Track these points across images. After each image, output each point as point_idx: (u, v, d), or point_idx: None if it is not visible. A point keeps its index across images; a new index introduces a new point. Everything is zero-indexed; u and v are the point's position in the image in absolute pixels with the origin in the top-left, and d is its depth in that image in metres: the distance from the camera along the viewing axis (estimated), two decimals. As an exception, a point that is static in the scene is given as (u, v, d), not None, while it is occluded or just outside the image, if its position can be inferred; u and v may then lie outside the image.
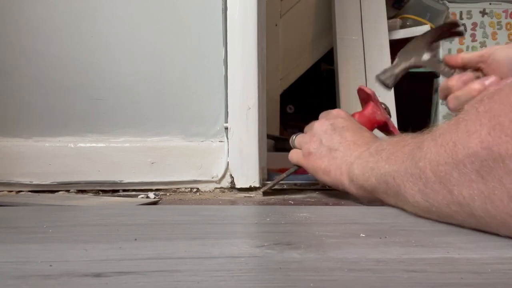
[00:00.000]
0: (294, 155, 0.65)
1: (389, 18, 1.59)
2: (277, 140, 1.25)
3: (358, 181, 0.54)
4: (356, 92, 0.75)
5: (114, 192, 0.68)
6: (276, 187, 0.72)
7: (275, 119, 1.49)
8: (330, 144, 0.60)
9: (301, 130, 0.69)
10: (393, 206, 0.49)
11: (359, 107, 0.73)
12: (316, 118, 0.67)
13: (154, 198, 0.63)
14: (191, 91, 0.71)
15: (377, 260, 0.30)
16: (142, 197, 0.63)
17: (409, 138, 0.47)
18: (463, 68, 0.65)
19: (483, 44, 2.00)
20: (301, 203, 0.59)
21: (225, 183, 0.70)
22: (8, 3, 0.66)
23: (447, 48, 2.00)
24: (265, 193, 0.67)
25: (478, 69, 0.64)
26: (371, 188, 0.52)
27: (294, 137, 0.68)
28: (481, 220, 0.36)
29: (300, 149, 0.64)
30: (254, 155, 0.69)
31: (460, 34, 0.70)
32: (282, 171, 0.84)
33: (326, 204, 0.59)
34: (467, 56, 0.65)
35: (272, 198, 0.64)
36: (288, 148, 0.69)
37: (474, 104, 0.37)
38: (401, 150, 0.47)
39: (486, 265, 0.29)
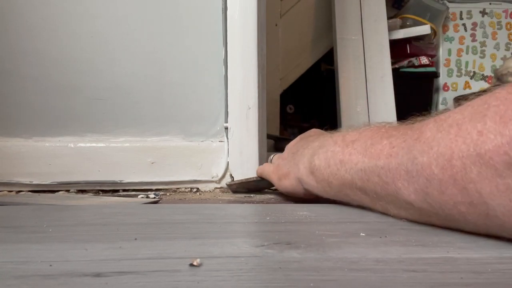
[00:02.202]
0: (264, 168, 0.64)
1: (389, 18, 1.59)
2: (277, 140, 1.25)
3: (321, 173, 0.48)
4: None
5: (114, 192, 0.68)
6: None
7: (275, 119, 1.49)
8: (294, 150, 0.57)
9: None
10: (366, 208, 0.46)
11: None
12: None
13: (154, 198, 0.63)
14: (191, 91, 0.71)
15: (377, 259, 0.30)
16: (142, 197, 0.63)
17: (390, 129, 0.42)
18: None
19: (483, 44, 2.00)
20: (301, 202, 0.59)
21: (225, 183, 0.70)
22: (8, 3, 0.66)
23: (447, 48, 2.00)
24: (234, 192, 0.68)
25: None
26: (339, 184, 0.47)
27: (271, 157, 0.67)
28: (494, 221, 0.32)
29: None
30: (254, 155, 0.69)
31: None
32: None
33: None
34: None
35: (272, 198, 0.64)
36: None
37: (508, 88, 0.32)
38: (384, 142, 0.41)
39: (486, 265, 0.29)
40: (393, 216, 0.43)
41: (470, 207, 0.33)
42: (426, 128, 0.37)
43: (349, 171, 0.45)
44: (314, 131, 0.63)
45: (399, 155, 0.39)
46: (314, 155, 0.50)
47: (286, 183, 0.57)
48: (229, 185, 0.69)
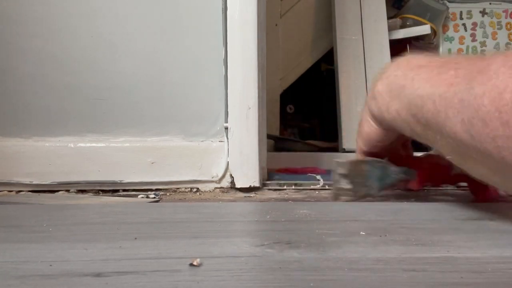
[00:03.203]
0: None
1: (389, 18, 1.59)
2: (277, 140, 1.25)
3: (382, 98, 0.49)
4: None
5: (114, 192, 0.68)
6: (275, 187, 0.72)
7: (275, 119, 1.49)
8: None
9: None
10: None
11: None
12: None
13: (154, 198, 0.63)
14: (191, 91, 0.71)
15: (377, 259, 0.30)
16: (142, 197, 0.63)
17: (462, 60, 0.41)
18: None
19: (483, 44, 2.00)
20: (301, 201, 0.59)
21: (225, 183, 0.70)
22: (8, 3, 0.66)
23: (447, 48, 2.00)
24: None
25: None
26: (396, 109, 0.46)
27: None
28: None
29: None
30: (254, 155, 0.69)
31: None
32: (281, 171, 0.84)
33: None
34: None
35: (272, 198, 0.64)
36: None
37: None
38: (450, 73, 0.40)
39: (486, 264, 0.29)
40: (440, 149, 0.42)
41: (508, 140, 0.33)
42: (493, 62, 0.36)
43: (408, 95, 0.44)
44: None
45: (460, 84, 0.38)
46: (377, 81, 0.50)
47: (361, 129, 0.55)
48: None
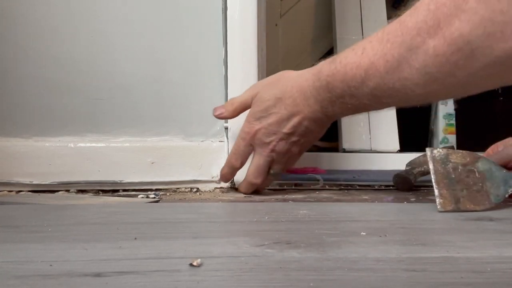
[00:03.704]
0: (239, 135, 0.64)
1: (389, 18, 1.59)
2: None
3: (334, 67, 0.51)
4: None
5: (114, 192, 0.68)
6: (275, 187, 0.72)
7: (275, 119, 1.49)
8: (275, 96, 0.59)
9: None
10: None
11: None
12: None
13: (154, 198, 0.63)
14: (191, 91, 0.71)
15: (377, 259, 0.30)
16: (142, 197, 0.63)
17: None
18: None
19: (483, 44, 2.00)
20: (301, 201, 0.59)
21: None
22: (8, 3, 0.66)
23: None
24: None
25: None
26: (355, 70, 0.48)
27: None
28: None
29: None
30: (254, 155, 0.69)
31: None
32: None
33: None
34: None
35: (272, 198, 0.64)
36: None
37: None
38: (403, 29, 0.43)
39: (486, 264, 0.29)
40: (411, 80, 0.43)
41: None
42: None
43: (369, 55, 0.46)
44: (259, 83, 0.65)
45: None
46: (324, 64, 0.54)
47: (295, 120, 0.58)
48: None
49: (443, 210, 0.48)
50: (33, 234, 0.38)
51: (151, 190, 0.68)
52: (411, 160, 0.75)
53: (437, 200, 0.49)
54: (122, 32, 0.69)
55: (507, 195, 0.51)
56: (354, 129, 1.07)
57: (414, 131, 1.24)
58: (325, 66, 0.53)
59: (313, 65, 0.57)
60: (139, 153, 0.69)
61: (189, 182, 0.70)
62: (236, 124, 0.69)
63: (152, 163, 0.69)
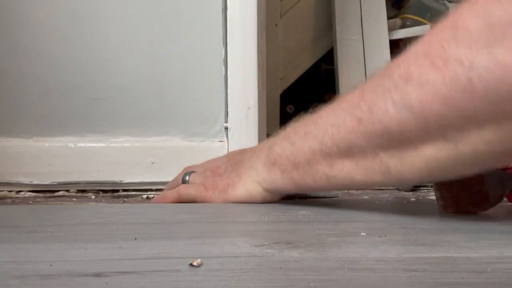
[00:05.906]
0: (187, 190, 0.55)
1: (389, 18, 1.59)
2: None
3: (286, 158, 0.45)
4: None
5: (114, 192, 0.68)
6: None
7: (275, 119, 1.49)
8: (234, 161, 0.53)
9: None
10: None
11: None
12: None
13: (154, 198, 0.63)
14: (191, 91, 0.71)
15: (377, 259, 0.30)
16: (143, 197, 0.63)
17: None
18: None
19: (483, 44, 1.99)
20: (301, 201, 0.59)
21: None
22: (8, 3, 0.66)
23: (447, 48, 1.99)
24: None
25: None
26: (306, 159, 0.43)
27: (187, 177, 0.57)
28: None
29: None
30: (254, 155, 0.69)
31: None
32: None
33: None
34: None
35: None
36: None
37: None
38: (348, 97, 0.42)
39: (486, 264, 0.29)
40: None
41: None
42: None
43: (316, 135, 0.42)
44: (236, 151, 0.58)
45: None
46: (272, 146, 0.47)
47: (238, 192, 0.51)
48: None
49: (444, 212, 0.48)
50: (33, 234, 0.37)
51: (151, 190, 0.68)
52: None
53: (438, 202, 0.49)
54: (122, 32, 0.69)
55: (504, 196, 0.51)
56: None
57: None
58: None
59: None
60: (139, 153, 0.69)
61: (189, 182, 0.70)
62: (236, 124, 0.69)
63: (152, 163, 0.69)
